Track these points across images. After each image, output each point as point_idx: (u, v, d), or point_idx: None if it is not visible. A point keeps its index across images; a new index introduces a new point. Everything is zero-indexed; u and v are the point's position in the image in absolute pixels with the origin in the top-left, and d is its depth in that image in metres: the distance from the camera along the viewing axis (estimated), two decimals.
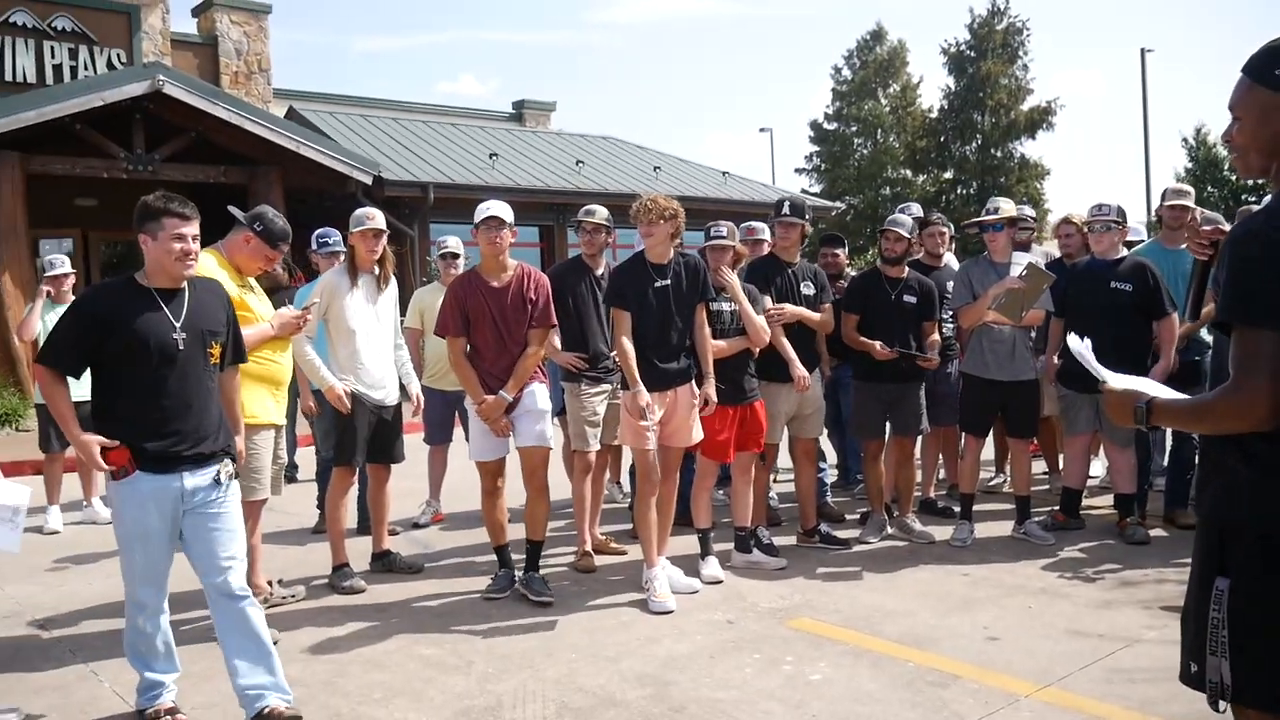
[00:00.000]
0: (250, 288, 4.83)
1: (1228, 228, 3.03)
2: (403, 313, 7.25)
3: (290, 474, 8.13)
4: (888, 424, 6.20)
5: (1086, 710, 3.65)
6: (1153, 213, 7.57)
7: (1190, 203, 6.49)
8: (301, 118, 19.85)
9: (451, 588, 5.39)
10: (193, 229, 3.59)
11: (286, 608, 5.07)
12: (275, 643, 4.48)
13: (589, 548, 5.78)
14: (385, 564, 5.70)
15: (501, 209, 5.06)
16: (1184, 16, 70.65)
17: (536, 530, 5.22)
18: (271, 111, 17.54)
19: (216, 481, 3.63)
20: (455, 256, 7.06)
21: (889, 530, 6.07)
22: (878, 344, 5.90)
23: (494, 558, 5.35)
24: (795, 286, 5.87)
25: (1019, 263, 5.90)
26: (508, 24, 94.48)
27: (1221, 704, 2.17)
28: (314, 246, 6.69)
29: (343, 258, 5.68)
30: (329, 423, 5.50)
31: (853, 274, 7.35)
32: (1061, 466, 6.89)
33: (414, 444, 6.51)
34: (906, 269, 6.16)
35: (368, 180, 15.50)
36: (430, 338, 6.88)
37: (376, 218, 5.43)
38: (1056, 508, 6.42)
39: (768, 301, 5.68)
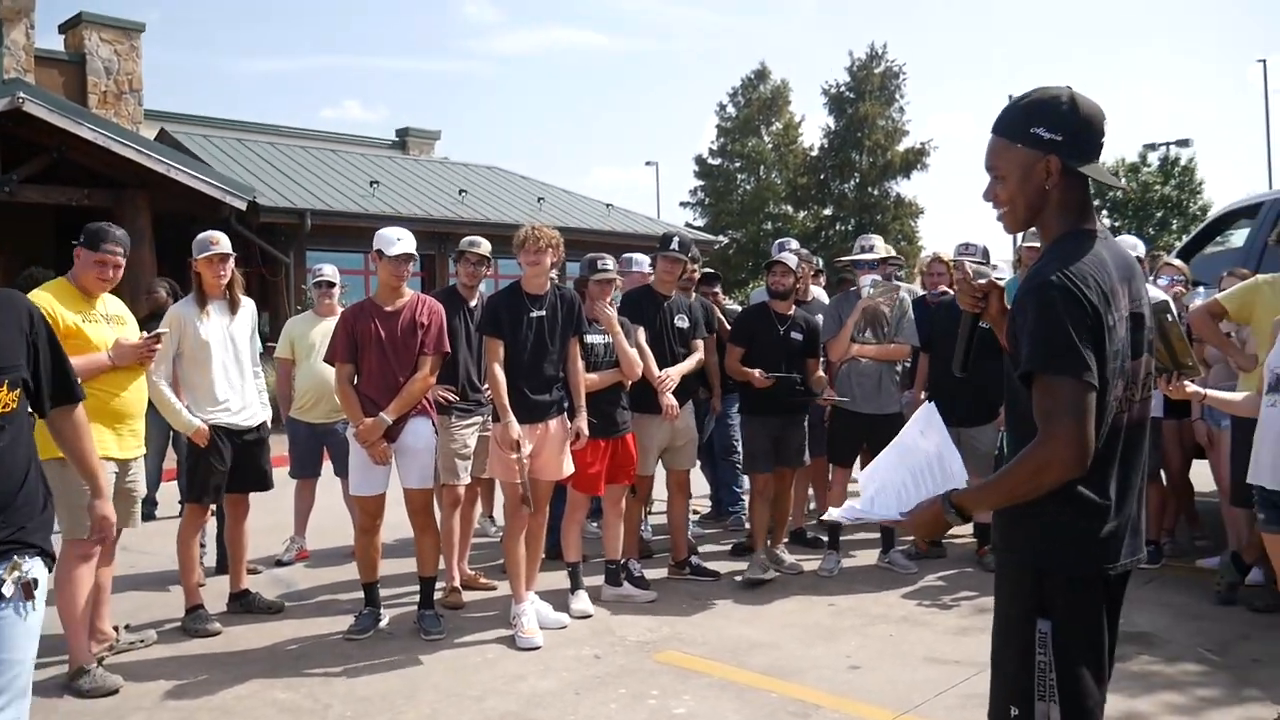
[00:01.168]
0: (97, 315, 4.61)
1: (1001, 279, 3.13)
2: (275, 340, 7.07)
3: (149, 510, 7.79)
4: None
5: None
6: (1014, 251, 7.84)
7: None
8: (174, 140, 19.29)
9: (313, 629, 5.22)
10: None
11: (134, 654, 4.83)
12: (118, 690, 4.30)
13: (457, 583, 5.69)
14: (244, 604, 5.50)
15: (411, 243, 5.07)
16: (1046, 63, 74.30)
17: (427, 566, 5.12)
18: (142, 133, 17.00)
19: None
20: (331, 285, 6.90)
21: (772, 571, 6.06)
22: (756, 372, 5.97)
23: (359, 595, 5.21)
24: (670, 320, 5.92)
25: (864, 284, 6.09)
26: (395, 51, 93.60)
27: None
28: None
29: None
30: (186, 458, 5.30)
31: (735, 308, 7.49)
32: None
33: (279, 478, 6.31)
34: (794, 306, 6.27)
35: (242, 206, 15.11)
36: (301, 368, 6.71)
37: (221, 242, 5.27)
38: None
39: (641, 334, 5.71)
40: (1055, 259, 2.13)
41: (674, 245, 6.00)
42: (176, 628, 5.22)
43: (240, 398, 5.27)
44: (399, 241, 5.01)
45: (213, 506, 5.77)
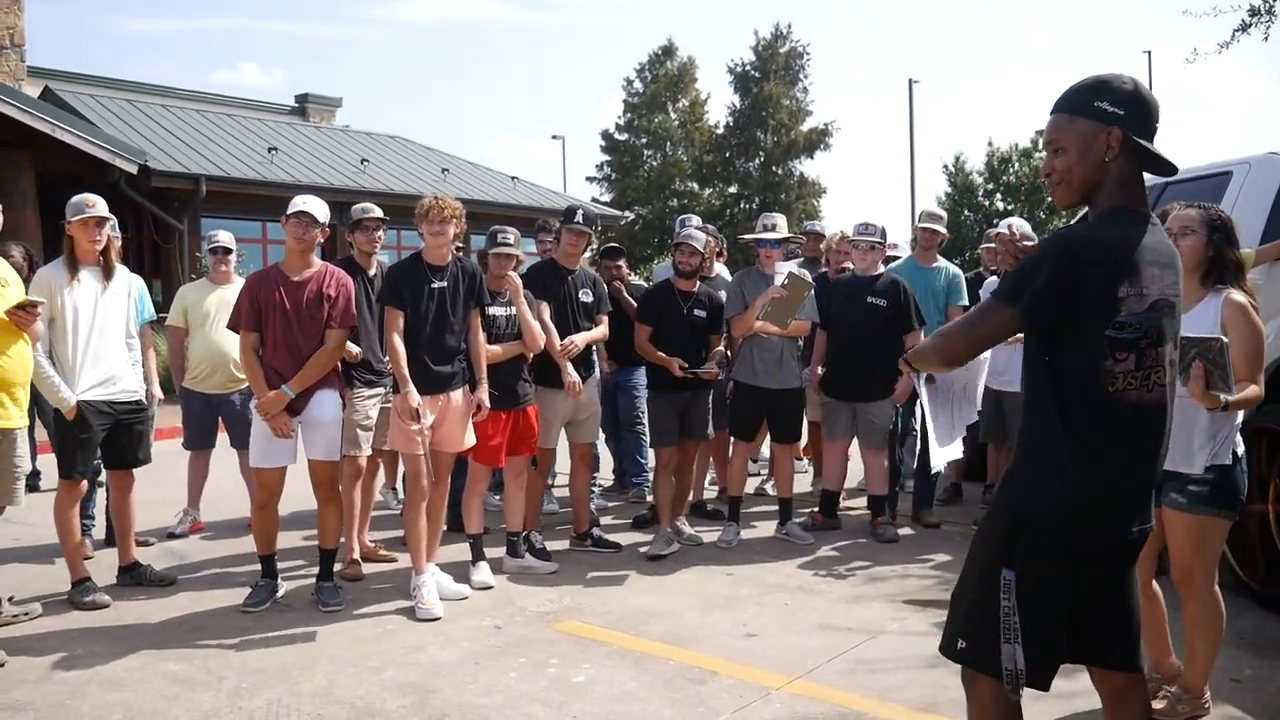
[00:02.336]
0: None
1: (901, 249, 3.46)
2: (168, 308, 6.86)
3: (32, 482, 7.51)
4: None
5: (831, 700, 3.85)
6: (911, 230, 8.04)
7: (941, 226, 6.97)
8: (59, 99, 18.51)
9: (206, 601, 5.12)
10: None
11: (18, 627, 4.69)
12: (3, 664, 4.17)
13: (357, 555, 5.64)
14: (134, 576, 5.37)
15: (317, 206, 4.98)
16: (950, 51, 76.00)
17: (328, 538, 5.06)
18: (24, 90, 16.21)
19: None
20: (227, 251, 6.72)
21: (676, 544, 6.14)
22: (676, 362, 6.03)
23: (255, 568, 5.13)
24: (574, 294, 5.94)
25: (780, 273, 6.18)
26: (293, 14, 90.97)
27: (1010, 685, 2.34)
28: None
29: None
30: (55, 432, 5.13)
31: (640, 283, 7.53)
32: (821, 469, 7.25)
33: (173, 449, 6.18)
34: (698, 283, 6.33)
35: (132, 169, 14.59)
36: (195, 337, 6.53)
37: (97, 204, 5.09)
38: (816, 509, 6.75)
39: (544, 308, 5.72)
40: (1083, 224, 2.39)
41: (578, 218, 6.01)
42: (63, 601, 5.08)
43: (109, 368, 5.11)
44: (303, 203, 4.93)
45: (101, 479, 5.62)
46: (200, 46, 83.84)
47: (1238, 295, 3.49)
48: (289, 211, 4.95)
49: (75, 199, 5.08)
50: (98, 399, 5.04)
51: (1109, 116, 2.28)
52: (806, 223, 7.79)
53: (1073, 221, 3.63)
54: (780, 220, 6.58)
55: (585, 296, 5.98)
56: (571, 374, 5.70)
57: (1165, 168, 2.37)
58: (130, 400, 5.23)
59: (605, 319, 6.14)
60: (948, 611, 2.53)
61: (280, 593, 5.05)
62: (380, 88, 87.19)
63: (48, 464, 7.63)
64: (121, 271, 5.29)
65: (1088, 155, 2.31)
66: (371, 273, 5.78)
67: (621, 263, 7.33)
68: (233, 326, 5.04)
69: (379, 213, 5.92)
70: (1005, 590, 2.30)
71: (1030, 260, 2.31)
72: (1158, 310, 2.28)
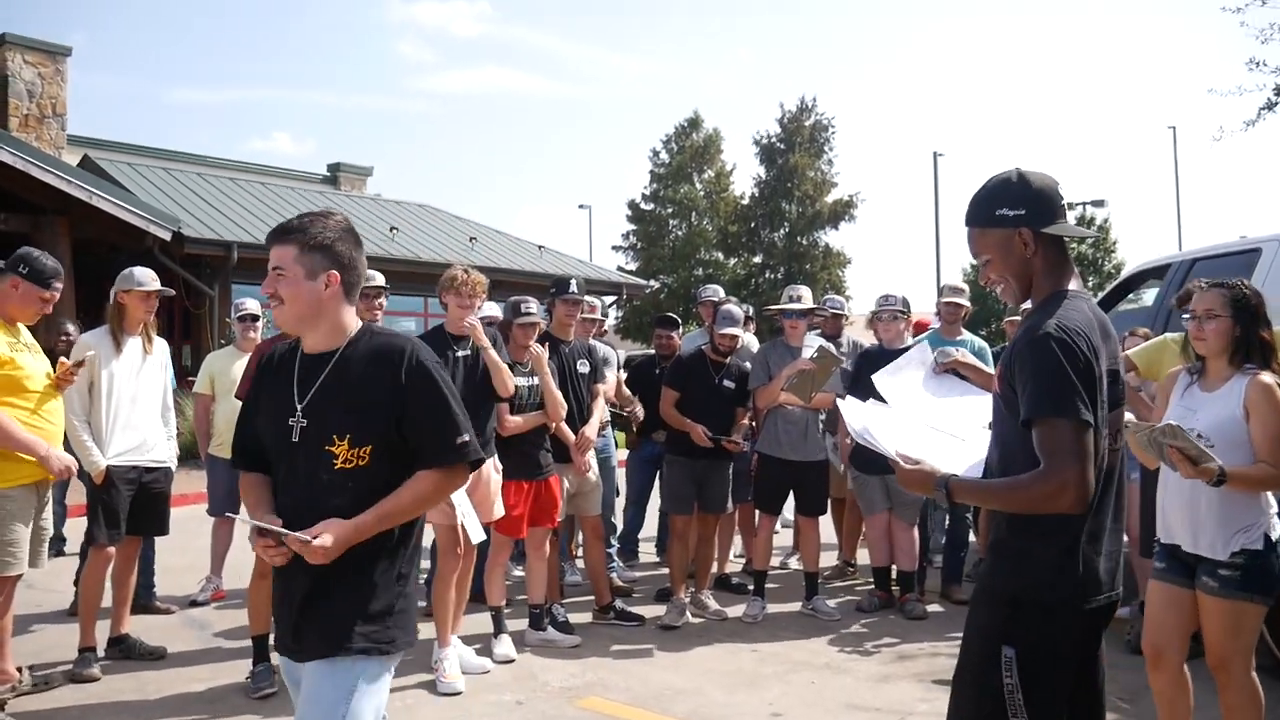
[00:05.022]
0: (24, 344, 4.53)
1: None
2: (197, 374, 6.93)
3: (58, 547, 7.55)
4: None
5: None
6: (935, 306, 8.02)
7: (964, 300, 6.94)
8: (97, 167, 18.91)
9: (227, 673, 5.07)
10: None
11: (36, 698, 4.66)
12: None
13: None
14: (123, 649, 5.29)
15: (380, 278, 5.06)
16: (975, 124, 76.63)
17: None
18: (64, 159, 16.62)
19: None
20: (254, 319, 6.82)
21: (689, 615, 6.09)
22: (700, 428, 6.02)
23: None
24: (572, 365, 5.93)
25: (810, 345, 6.17)
26: (326, 85, 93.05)
27: None
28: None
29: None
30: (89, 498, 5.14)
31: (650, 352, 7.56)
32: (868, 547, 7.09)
33: (198, 515, 6.17)
34: (729, 355, 6.34)
35: (166, 236, 14.80)
36: (221, 404, 6.58)
37: (154, 278, 5.27)
38: (874, 586, 6.56)
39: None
40: (1048, 315, 2.32)
41: (572, 288, 6.01)
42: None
43: (143, 435, 5.17)
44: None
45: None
46: (234, 116, 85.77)
47: (1266, 376, 3.45)
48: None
49: (130, 270, 5.23)
50: (126, 464, 5.06)
51: (1012, 220, 2.39)
52: (825, 298, 7.74)
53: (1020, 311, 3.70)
54: (805, 292, 6.60)
55: (583, 367, 5.97)
56: (582, 456, 5.73)
57: (1081, 236, 2.48)
58: (158, 467, 5.25)
59: (601, 389, 6.14)
60: (950, 698, 2.51)
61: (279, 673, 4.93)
62: (409, 158, 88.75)
63: (73, 529, 7.68)
64: (160, 343, 5.36)
65: (1009, 258, 2.42)
66: None
67: (675, 334, 7.35)
68: (240, 395, 5.04)
69: (380, 280, 5.89)
70: (1007, 669, 2.32)
71: (1044, 366, 2.24)
72: (1109, 381, 2.35)
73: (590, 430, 5.85)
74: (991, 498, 2.41)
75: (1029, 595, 2.33)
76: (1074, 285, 2.43)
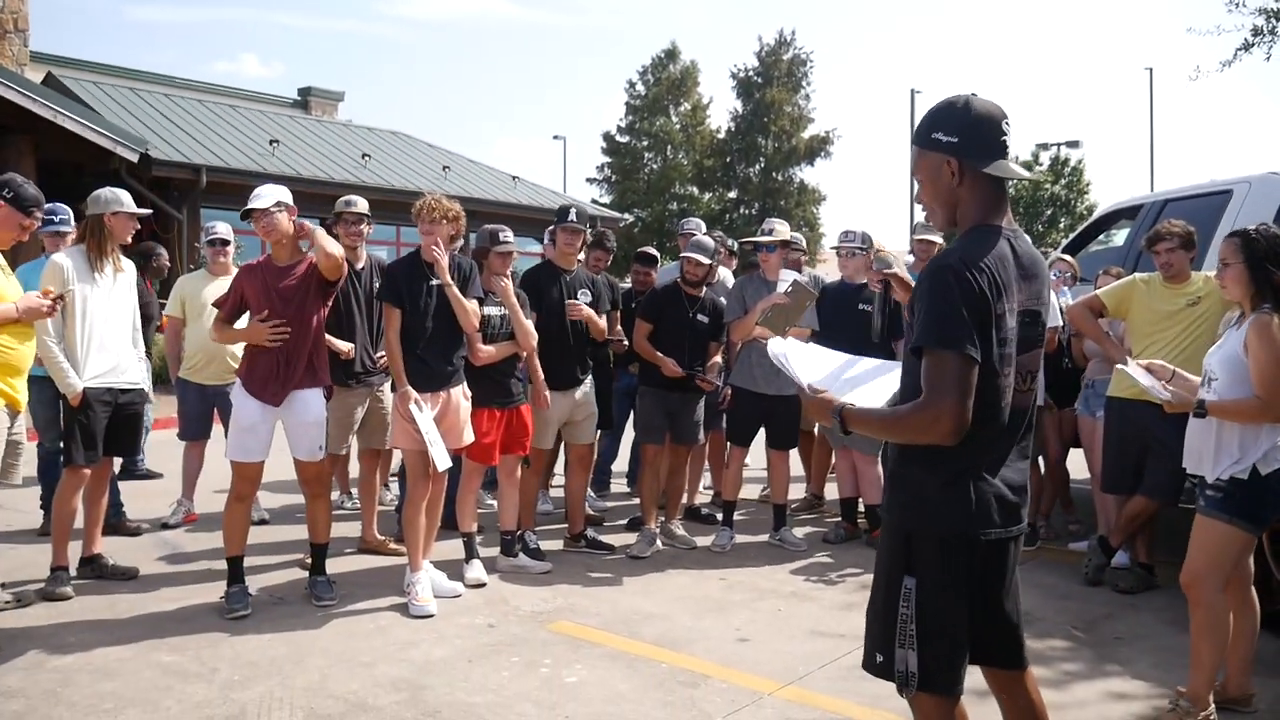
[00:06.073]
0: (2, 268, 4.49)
1: (901, 271, 3.39)
2: (166, 298, 6.88)
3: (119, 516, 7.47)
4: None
5: (822, 706, 3.87)
6: (909, 243, 8.07)
7: (938, 238, 6.98)
8: (62, 86, 18.46)
9: (199, 593, 5.11)
10: None
11: (10, 614, 4.69)
12: None
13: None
14: (95, 569, 5.33)
15: (268, 192, 4.85)
16: (952, 62, 76.12)
17: (320, 533, 5.06)
18: (27, 76, 16.17)
19: None
20: (225, 243, 6.74)
21: (659, 545, 6.18)
22: (671, 361, 6.05)
23: (250, 561, 5.10)
24: (572, 294, 5.93)
25: (785, 279, 6.18)
26: (295, 7, 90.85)
27: (907, 690, 2.43)
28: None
29: (70, 239, 5.45)
30: (56, 415, 5.12)
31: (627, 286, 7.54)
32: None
33: (169, 439, 6.16)
34: (704, 289, 6.34)
35: (133, 158, 14.52)
36: (192, 328, 6.53)
37: (129, 199, 5.21)
38: (841, 519, 6.66)
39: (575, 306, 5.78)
40: (958, 248, 2.33)
41: (571, 216, 5.99)
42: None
43: (117, 357, 5.14)
44: (254, 198, 4.84)
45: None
46: (199, 36, 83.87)
47: (1265, 315, 3.56)
48: (337, 210, 5.61)
49: (112, 191, 5.15)
50: (101, 386, 5.04)
51: (944, 147, 2.39)
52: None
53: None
54: (780, 225, 6.58)
55: (584, 296, 5.97)
56: (544, 389, 5.72)
57: (1015, 177, 2.48)
58: (133, 388, 5.23)
59: (606, 317, 6.14)
60: (865, 627, 2.57)
61: (253, 591, 4.97)
62: (383, 83, 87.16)
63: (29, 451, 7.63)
64: (129, 264, 5.31)
65: (938, 184, 2.43)
66: (359, 266, 5.76)
67: (652, 271, 7.32)
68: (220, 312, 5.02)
69: (362, 206, 5.86)
70: (905, 599, 2.38)
71: (938, 298, 2.27)
72: (1025, 321, 2.38)
73: (583, 309, 5.91)
74: (878, 426, 2.47)
75: (919, 525, 2.39)
76: (1003, 223, 2.42)
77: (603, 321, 6.05)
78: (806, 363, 2.64)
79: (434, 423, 4.97)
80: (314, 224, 4.96)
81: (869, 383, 2.66)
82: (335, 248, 4.83)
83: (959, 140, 2.37)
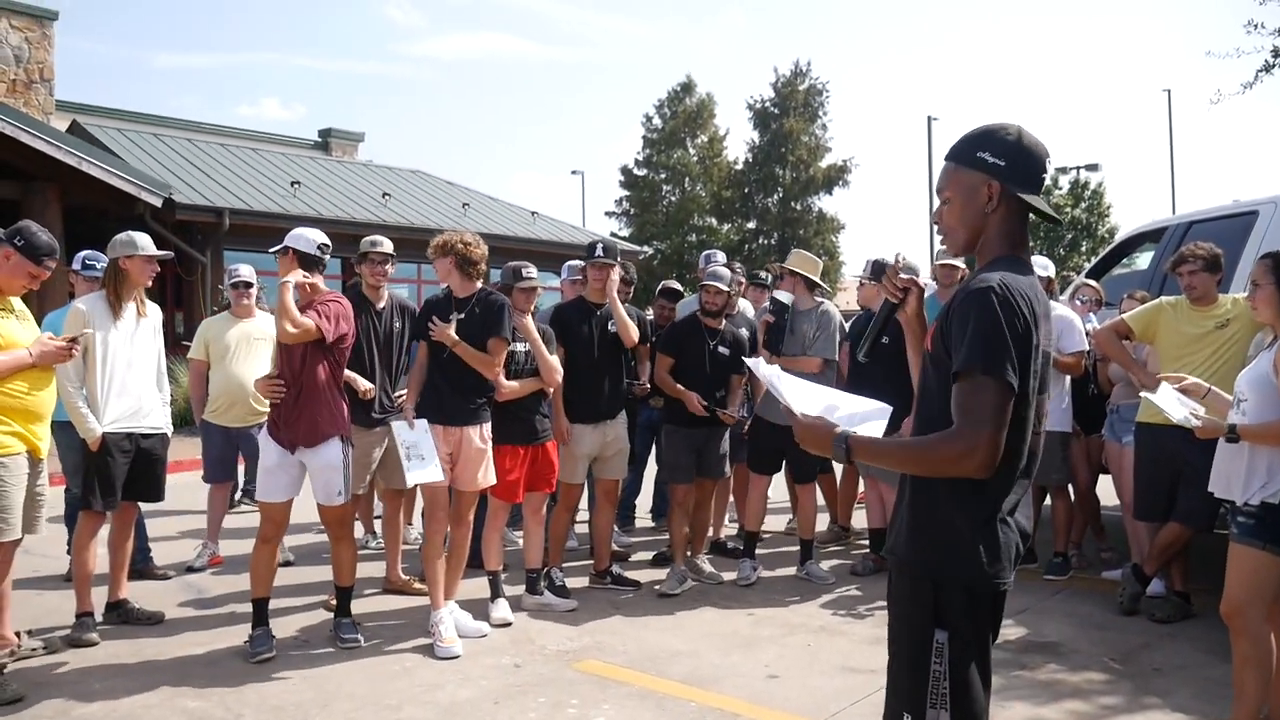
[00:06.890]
0: (11, 311, 4.49)
1: (922, 281, 3.20)
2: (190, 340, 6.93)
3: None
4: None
5: None
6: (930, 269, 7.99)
7: (959, 263, 6.92)
8: (86, 133, 18.76)
9: (224, 638, 5.09)
10: None
11: (36, 661, 4.68)
12: (21, 699, 4.16)
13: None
14: (120, 614, 5.31)
15: (293, 239, 4.93)
16: (967, 87, 76.23)
17: (345, 575, 5.03)
18: (53, 124, 16.46)
19: None
20: (248, 285, 6.77)
21: (689, 582, 6.09)
22: (694, 397, 6.01)
23: (275, 604, 5.08)
24: (604, 329, 5.91)
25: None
26: (315, 50, 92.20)
27: None
28: (78, 268, 6.14)
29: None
30: (80, 459, 5.13)
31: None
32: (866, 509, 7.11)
33: (193, 482, 6.17)
34: (724, 320, 6.32)
35: (157, 202, 14.72)
36: (216, 370, 6.57)
37: (150, 242, 5.24)
38: (870, 550, 6.59)
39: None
40: (998, 274, 2.21)
41: (599, 251, 6.00)
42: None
43: (139, 401, 5.15)
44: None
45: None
46: (222, 81, 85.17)
47: None
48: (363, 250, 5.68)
49: (129, 235, 5.18)
50: (121, 431, 5.05)
51: (989, 168, 2.28)
52: (712, 270, 7.36)
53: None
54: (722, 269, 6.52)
55: (613, 328, 5.94)
56: (564, 421, 5.74)
57: (1048, 217, 2.36)
58: (155, 433, 5.25)
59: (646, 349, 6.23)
60: (886, 684, 2.35)
61: (333, 629, 5.01)
62: (402, 123, 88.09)
63: (56, 496, 7.67)
64: (153, 308, 5.34)
65: (970, 205, 2.31)
66: (379, 306, 5.77)
67: (676, 305, 7.30)
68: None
69: (387, 246, 5.87)
70: (938, 655, 2.20)
71: (984, 320, 2.14)
72: (1045, 361, 2.25)
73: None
74: (897, 457, 2.26)
75: (949, 572, 2.21)
76: (1025, 258, 2.33)
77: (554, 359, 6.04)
78: (795, 391, 2.51)
79: (432, 439, 4.99)
80: (291, 281, 4.80)
81: (861, 425, 2.49)
82: (292, 325, 4.65)
83: (1005, 164, 2.27)
